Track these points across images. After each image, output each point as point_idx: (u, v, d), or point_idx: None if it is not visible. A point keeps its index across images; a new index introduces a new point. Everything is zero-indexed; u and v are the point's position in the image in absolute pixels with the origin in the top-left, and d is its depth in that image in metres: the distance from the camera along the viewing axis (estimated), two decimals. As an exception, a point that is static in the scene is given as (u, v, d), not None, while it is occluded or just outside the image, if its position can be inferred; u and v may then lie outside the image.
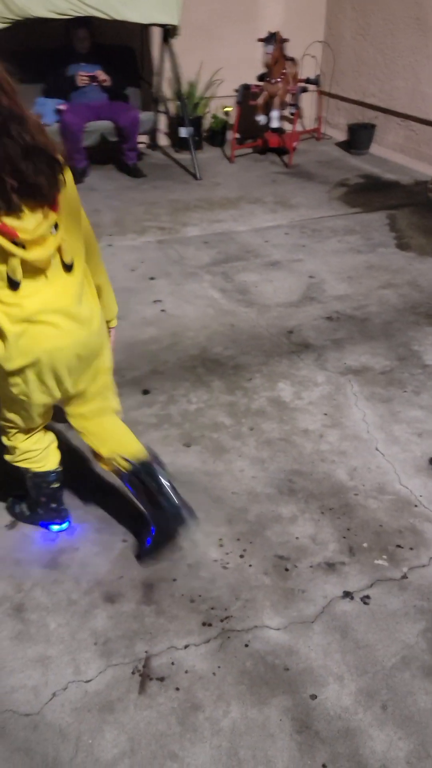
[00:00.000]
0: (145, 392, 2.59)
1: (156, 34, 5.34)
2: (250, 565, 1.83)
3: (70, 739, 1.42)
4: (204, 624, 1.66)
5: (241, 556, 1.86)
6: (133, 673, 1.55)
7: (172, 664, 1.57)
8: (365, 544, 1.90)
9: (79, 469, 2.13)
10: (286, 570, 1.82)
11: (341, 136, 6.22)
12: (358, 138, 5.81)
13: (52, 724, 1.44)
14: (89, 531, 1.93)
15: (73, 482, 2.03)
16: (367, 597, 1.74)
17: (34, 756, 1.39)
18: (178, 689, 1.51)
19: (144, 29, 5.23)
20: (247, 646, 1.61)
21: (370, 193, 4.94)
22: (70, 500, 2.00)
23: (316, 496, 2.08)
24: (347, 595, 1.74)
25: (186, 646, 1.61)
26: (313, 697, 1.50)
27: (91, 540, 1.91)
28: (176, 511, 1.72)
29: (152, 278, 3.55)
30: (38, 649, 1.60)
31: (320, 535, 1.93)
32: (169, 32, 4.89)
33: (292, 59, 5.56)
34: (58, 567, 1.82)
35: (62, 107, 4.82)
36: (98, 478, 2.12)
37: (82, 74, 4.80)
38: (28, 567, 1.82)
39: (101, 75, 4.81)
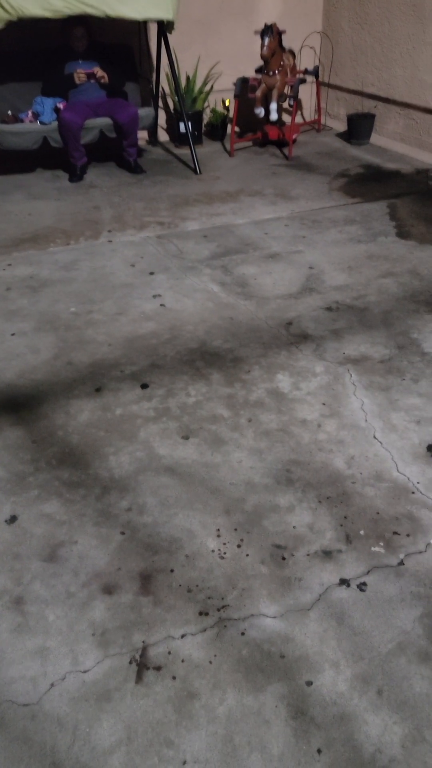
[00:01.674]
0: (144, 386, 2.60)
1: (153, 30, 5.34)
2: (247, 555, 1.84)
3: (67, 728, 1.43)
4: (201, 613, 1.68)
5: (239, 546, 1.87)
6: (130, 662, 1.56)
7: (169, 653, 1.58)
8: (362, 532, 1.90)
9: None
10: (283, 559, 1.82)
11: (341, 126, 6.19)
12: (358, 128, 5.78)
13: (50, 713, 1.46)
14: (86, 524, 1.95)
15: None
16: (364, 584, 1.74)
17: (32, 745, 1.40)
18: (174, 678, 1.53)
19: (141, 25, 5.23)
20: (243, 634, 1.62)
21: (370, 183, 4.92)
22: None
23: (314, 485, 2.08)
24: (344, 582, 1.75)
25: (183, 636, 1.62)
26: (309, 683, 1.50)
27: (90, 533, 1.92)
28: None
29: (152, 273, 3.55)
30: (37, 640, 1.62)
31: (317, 523, 1.94)
32: (165, 27, 4.89)
33: (289, 51, 5.54)
34: (57, 560, 1.84)
35: (61, 105, 4.84)
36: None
37: (79, 71, 4.81)
38: (27, 560, 1.84)
39: (99, 72, 4.82)
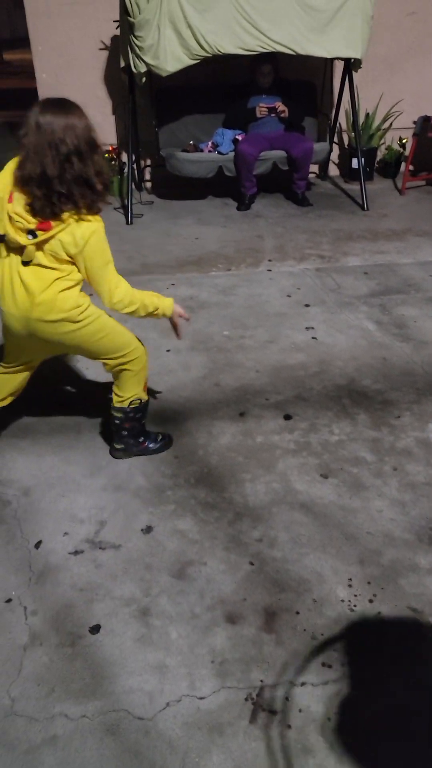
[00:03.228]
0: (287, 417, 2.57)
1: (338, 67, 5.40)
2: (379, 613, 1.73)
3: (178, 752, 1.42)
4: (324, 665, 1.60)
5: (371, 601, 1.77)
6: (246, 699, 1.52)
7: (287, 699, 1.52)
8: None
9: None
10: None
11: None
12: None
13: (162, 733, 1.46)
14: (217, 548, 1.95)
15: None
16: None
17: (142, 760, 1.41)
18: (290, 727, 1.46)
19: (327, 62, 5.30)
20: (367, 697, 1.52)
21: None
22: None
23: (461, 550, 1.92)
24: None
25: (303, 684, 1.55)
26: (436, 770, 1.37)
27: (219, 557, 1.92)
28: None
29: (307, 305, 3.54)
30: (158, 655, 1.64)
31: (461, 593, 1.78)
32: (352, 65, 4.92)
33: None
34: (185, 578, 1.86)
35: (239, 137, 5.02)
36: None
37: (261, 106, 4.97)
38: (158, 573, 1.87)
39: (280, 106, 4.94)
